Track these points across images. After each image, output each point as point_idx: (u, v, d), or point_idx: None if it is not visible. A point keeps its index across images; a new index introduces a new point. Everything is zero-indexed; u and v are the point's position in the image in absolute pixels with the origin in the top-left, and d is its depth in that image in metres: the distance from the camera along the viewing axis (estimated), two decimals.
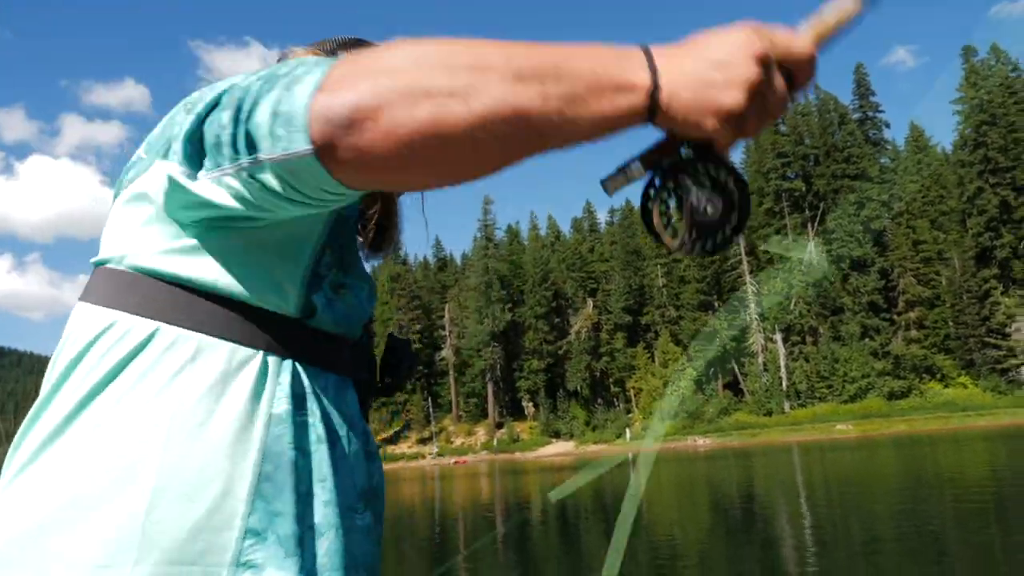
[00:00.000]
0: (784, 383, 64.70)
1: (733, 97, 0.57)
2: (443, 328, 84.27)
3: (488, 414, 79.40)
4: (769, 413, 62.79)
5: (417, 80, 0.56)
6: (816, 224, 71.72)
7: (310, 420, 0.74)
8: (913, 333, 64.54)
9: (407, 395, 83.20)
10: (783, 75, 0.60)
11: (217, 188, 0.66)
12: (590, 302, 78.45)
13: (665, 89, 0.57)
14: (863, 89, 75.77)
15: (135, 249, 0.73)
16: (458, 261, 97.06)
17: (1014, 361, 58.42)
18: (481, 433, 78.84)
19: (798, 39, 0.61)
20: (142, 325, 0.70)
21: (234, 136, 0.62)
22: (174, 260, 0.72)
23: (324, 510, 0.73)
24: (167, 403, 0.68)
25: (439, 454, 76.00)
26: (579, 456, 56.98)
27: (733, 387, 68.96)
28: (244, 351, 0.72)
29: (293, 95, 0.58)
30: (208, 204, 0.67)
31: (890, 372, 61.20)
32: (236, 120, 0.62)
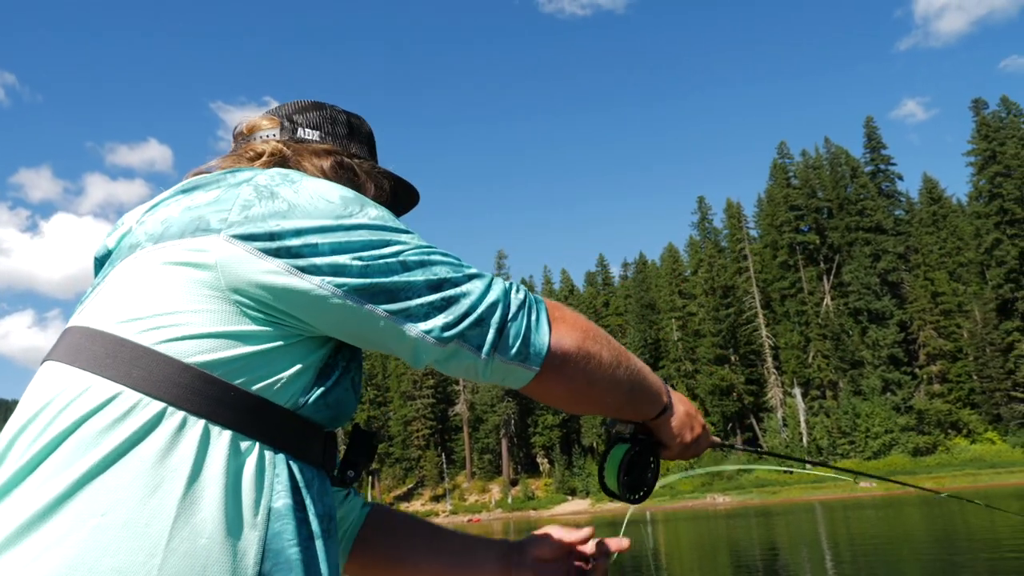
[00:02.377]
0: (804, 439, 63.22)
1: (693, 433, 1.03)
2: (457, 383, 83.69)
3: (502, 471, 78.03)
4: (789, 470, 61.11)
5: (599, 348, 0.84)
6: (831, 276, 71.27)
7: (306, 515, 0.73)
8: (936, 387, 63.20)
9: (421, 451, 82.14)
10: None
11: (401, 334, 0.75)
12: None
13: (670, 411, 1.00)
14: (874, 142, 76.30)
15: (159, 324, 0.70)
16: None
17: None
18: (495, 490, 77.31)
19: None
20: (148, 404, 0.66)
21: (496, 337, 0.77)
22: (213, 344, 0.70)
23: None
24: (171, 495, 0.64)
25: (453, 512, 74.42)
26: (595, 515, 55.52)
27: (752, 443, 67.47)
28: (248, 442, 0.69)
29: (540, 330, 0.80)
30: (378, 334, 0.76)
31: (914, 427, 59.64)
32: (497, 327, 0.77)
